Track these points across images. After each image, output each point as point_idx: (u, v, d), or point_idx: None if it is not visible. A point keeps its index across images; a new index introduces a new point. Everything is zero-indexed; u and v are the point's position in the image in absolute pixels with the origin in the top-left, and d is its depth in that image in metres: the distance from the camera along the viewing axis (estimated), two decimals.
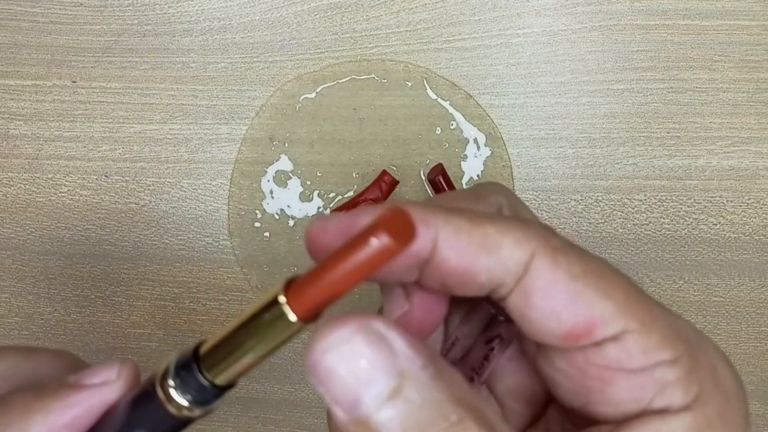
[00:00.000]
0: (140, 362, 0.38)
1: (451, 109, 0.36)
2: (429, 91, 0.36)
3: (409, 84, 0.36)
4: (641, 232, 0.36)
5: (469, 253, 0.15)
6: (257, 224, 0.37)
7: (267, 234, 0.37)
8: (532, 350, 0.17)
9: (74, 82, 0.38)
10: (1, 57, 0.38)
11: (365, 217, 0.15)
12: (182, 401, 0.17)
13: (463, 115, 0.36)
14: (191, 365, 0.17)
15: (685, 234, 0.36)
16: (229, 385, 0.17)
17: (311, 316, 0.15)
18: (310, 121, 0.37)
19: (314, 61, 0.37)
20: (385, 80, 0.36)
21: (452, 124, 0.36)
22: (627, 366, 0.15)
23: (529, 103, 0.36)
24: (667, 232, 0.36)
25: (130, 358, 0.22)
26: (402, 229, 0.14)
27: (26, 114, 0.38)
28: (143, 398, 0.18)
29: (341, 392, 0.14)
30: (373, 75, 0.36)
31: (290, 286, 0.15)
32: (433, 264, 0.16)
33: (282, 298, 0.15)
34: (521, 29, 0.36)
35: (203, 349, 0.17)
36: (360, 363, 0.14)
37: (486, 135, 0.36)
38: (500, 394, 0.19)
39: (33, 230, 0.38)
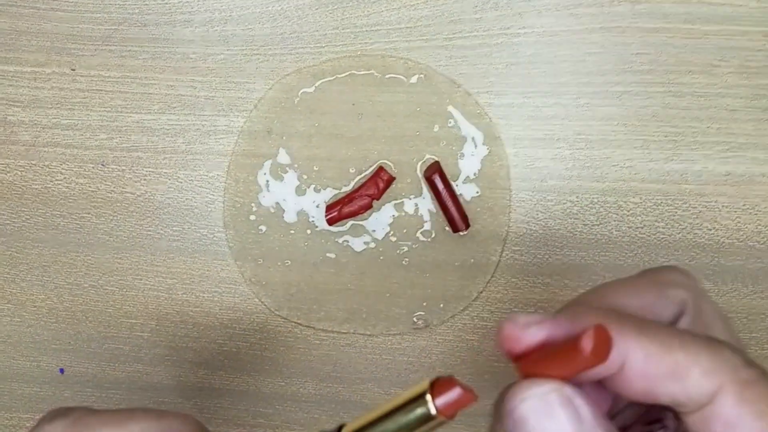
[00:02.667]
0: (131, 352, 0.39)
1: (450, 107, 0.36)
2: (428, 88, 0.36)
3: (409, 81, 0.36)
4: (636, 235, 0.36)
5: (656, 379, 0.16)
6: (252, 217, 0.37)
7: (262, 227, 0.37)
8: None
9: (73, 69, 0.38)
10: (0, 43, 0.38)
11: (563, 325, 0.17)
12: None
13: (462, 113, 0.36)
14: None
15: (680, 238, 0.36)
16: None
17: (452, 414, 0.18)
18: (308, 115, 0.37)
19: (314, 55, 0.37)
20: (385, 76, 0.36)
21: (450, 122, 0.36)
22: None
23: (527, 103, 0.36)
24: (662, 236, 0.36)
25: None
26: (601, 348, 0.16)
27: (24, 101, 0.38)
28: None
29: None
30: (372, 71, 0.36)
31: (436, 384, 0.18)
32: (617, 380, 0.16)
33: (429, 397, 0.18)
34: (522, 29, 0.36)
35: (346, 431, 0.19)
36: (550, 419, 0.16)
37: (484, 134, 0.36)
38: None
39: (28, 217, 0.38)
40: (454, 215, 0.35)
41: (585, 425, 0.16)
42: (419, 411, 0.18)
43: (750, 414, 0.15)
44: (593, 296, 0.19)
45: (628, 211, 0.36)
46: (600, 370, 0.16)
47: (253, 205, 0.37)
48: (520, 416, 0.16)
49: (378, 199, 0.36)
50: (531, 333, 0.17)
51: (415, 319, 0.37)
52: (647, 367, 0.16)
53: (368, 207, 0.36)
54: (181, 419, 0.24)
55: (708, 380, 0.16)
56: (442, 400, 0.18)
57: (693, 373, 0.16)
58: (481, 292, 0.36)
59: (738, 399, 0.16)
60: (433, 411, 0.18)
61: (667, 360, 0.16)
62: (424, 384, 0.18)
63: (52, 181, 0.38)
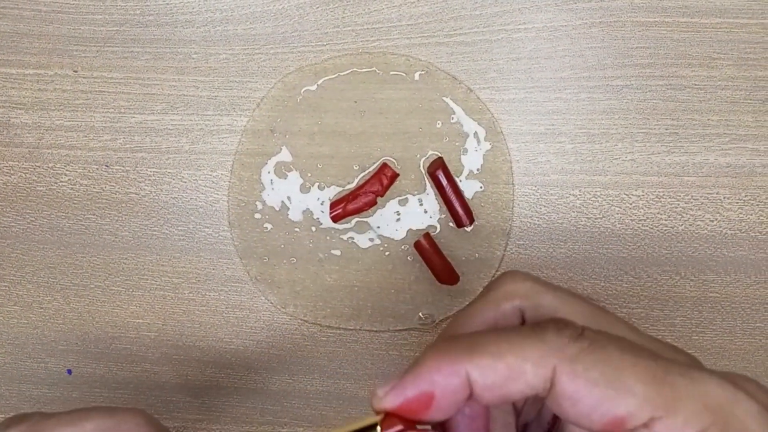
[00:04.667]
0: (139, 352, 0.39)
1: (452, 103, 0.36)
2: (430, 84, 0.36)
3: (410, 77, 0.36)
4: (639, 227, 0.36)
5: (499, 386, 0.18)
6: (257, 215, 0.37)
7: (267, 226, 0.37)
8: None
9: (76, 71, 0.38)
10: (2, 46, 0.38)
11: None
12: None
13: (464, 109, 0.36)
14: None
15: (683, 230, 0.36)
16: None
17: None
18: (311, 113, 0.37)
19: (316, 53, 0.37)
20: (387, 73, 0.36)
21: (453, 118, 0.36)
22: None
23: (529, 98, 0.36)
24: (665, 228, 0.36)
25: None
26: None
27: (27, 103, 0.38)
28: None
29: None
30: (374, 68, 0.36)
31: (385, 418, 0.20)
32: (475, 398, 0.19)
33: (378, 429, 0.20)
34: (522, 24, 0.36)
35: None
36: None
37: (486, 129, 0.36)
38: None
39: (33, 219, 0.38)
40: (458, 210, 0.35)
41: None
42: None
43: (586, 386, 0.17)
44: (448, 330, 0.23)
45: (631, 204, 0.36)
46: (449, 402, 0.18)
47: (257, 203, 0.37)
48: None
49: (382, 196, 0.36)
50: (389, 401, 0.19)
51: (421, 315, 0.37)
52: (486, 379, 0.18)
53: (373, 204, 0.36)
54: (131, 414, 0.26)
55: (541, 369, 0.17)
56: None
57: (527, 369, 0.18)
58: None
59: (570, 375, 0.17)
60: None
61: (500, 367, 0.18)
62: (377, 417, 0.20)
63: (56, 183, 0.38)
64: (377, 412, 0.19)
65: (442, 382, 0.18)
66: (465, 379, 0.18)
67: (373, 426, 0.20)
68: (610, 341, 0.18)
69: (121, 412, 0.26)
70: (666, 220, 0.36)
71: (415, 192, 0.36)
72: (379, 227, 0.37)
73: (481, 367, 0.18)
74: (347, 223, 0.37)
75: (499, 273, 0.37)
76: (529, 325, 0.19)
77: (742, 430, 0.16)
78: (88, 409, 0.25)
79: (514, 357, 0.18)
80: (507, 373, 0.18)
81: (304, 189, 0.37)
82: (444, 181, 0.35)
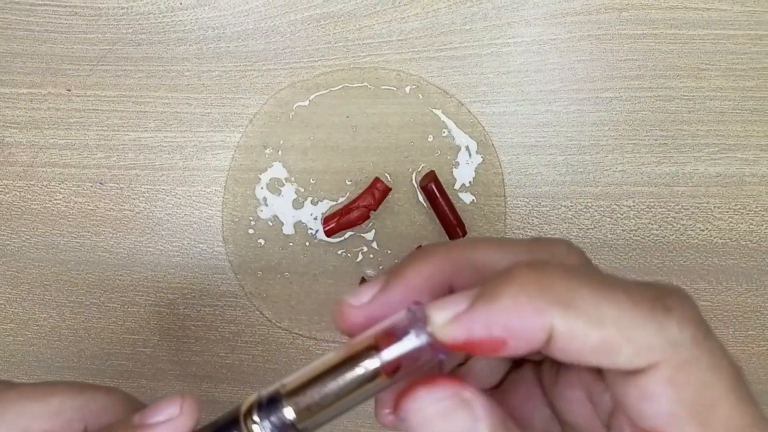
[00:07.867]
0: (135, 368, 0.39)
1: (443, 117, 0.37)
2: (421, 99, 0.37)
3: (402, 92, 0.37)
4: (630, 237, 0.37)
5: (581, 352, 0.15)
6: (251, 231, 0.37)
7: (261, 241, 0.37)
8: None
9: (69, 90, 0.38)
10: None
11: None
12: None
13: (455, 123, 0.37)
14: (277, 405, 0.17)
15: (674, 240, 0.37)
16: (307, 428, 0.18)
17: (395, 371, 0.16)
18: (303, 128, 0.37)
19: (307, 69, 0.37)
20: (378, 88, 0.37)
21: (444, 132, 0.37)
22: None
23: (519, 111, 0.37)
24: (656, 238, 0.37)
25: (191, 392, 0.22)
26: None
27: (21, 122, 0.38)
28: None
29: None
30: (365, 83, 0.37)
31: (382, 341, 0.16)
32: (543, 348, 0.15)
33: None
34: (511, 38, 0.36)
35: (286, 390, 0.17)
36: (446, 422, 0.15)
37: (477, 142, 0.36)
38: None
39: (28, 237, 0.39)
40: (451, 223, 0.36)
41: (481, 423, 0.15)
42: (367, 365, 0.16)
43: (672, 397, 0.15)
44: (464, 250, 0.17)
45: (622, 215, 0.37)
46: (518, 349, 0.15)
47: (251, 219, 0.37)
48: (419, 423, 0.16)
49: (375, 210, 0.36)
50: (451, 333, 0.15)
51: None
52: (572, 344, 0.14)
53: (365, 218, 0.36)
54: (104, 392, 0.22)
55: (641, 359, 0.14)
56: (390, 352, 0.15)
57: (624, 351, 0.14)
58: None
59: (667, 380, 0.14)
60: (377, 364, 0.16)
61: (594, 336, 0.14)
62: (370, 338, 0.16)
63: (51, 201, 0.38)
64: (434, 340, 0.15)
65: (520, 330, 0.14)
66: (547, 334, 0.14)
67: (370, 348, 0.16)
68: (721, 362, 0.15)
69: (91, 390, 0.22)
70: (657, 230, 0.37)
71: (408, 205, 0.37)
72: (373, 241, 0.37)
73: (572, 329, 0.14)
74: (341, 237, 0.37)
75: None
76: (650, 297, 0.15)
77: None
78: (56, 383, 0.22)
79: (617, 331, 0.14)
80: (600, 345, 0.14)
81: (298, 204, 0.37)
82: (436, 195, 0.36)
